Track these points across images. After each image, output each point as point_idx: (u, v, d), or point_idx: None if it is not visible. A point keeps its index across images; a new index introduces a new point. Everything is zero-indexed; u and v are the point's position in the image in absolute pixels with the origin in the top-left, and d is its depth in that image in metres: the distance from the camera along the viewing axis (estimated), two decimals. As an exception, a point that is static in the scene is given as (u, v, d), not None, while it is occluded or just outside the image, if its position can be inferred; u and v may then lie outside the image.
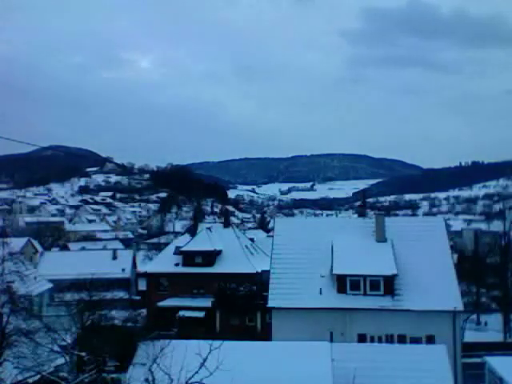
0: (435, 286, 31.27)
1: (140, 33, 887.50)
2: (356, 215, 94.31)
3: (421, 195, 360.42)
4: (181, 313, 49.11)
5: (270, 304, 32.18)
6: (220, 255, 55.15)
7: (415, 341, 29.65)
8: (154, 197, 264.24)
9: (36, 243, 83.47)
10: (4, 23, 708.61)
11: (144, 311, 52.46)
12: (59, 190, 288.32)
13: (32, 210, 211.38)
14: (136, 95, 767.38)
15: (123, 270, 67.71)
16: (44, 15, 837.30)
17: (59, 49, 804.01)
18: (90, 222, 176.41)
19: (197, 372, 18.72)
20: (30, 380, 23.04)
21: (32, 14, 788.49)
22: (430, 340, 29.44)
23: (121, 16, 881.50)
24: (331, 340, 27.56)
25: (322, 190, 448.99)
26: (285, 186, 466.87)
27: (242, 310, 46.92)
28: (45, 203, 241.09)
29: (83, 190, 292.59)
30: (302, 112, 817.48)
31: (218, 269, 53.35)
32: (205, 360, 18.71)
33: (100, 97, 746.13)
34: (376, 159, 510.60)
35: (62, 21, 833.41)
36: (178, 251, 56.15)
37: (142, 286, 62.33)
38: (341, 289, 31.87)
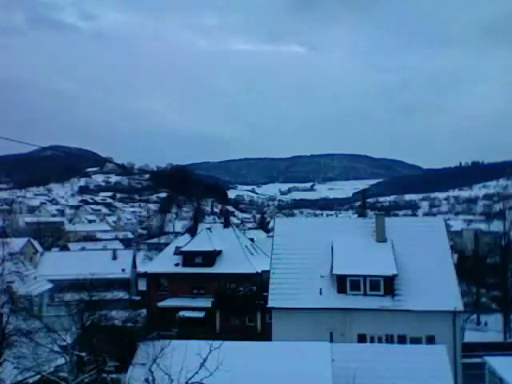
0: (435, 285, 31.26)
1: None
2: (356, 215, 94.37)
3: (421, 195, 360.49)
4: (181, 313, 49.14)
5: (270, 304, 32.18)
6: (220, 255, 55.15)
7: (415, 341, 29.65)
8: (154, 197, 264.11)
9: (36, 243, 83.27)
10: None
11: (144, 311, 52.43)
12: (59, 190, 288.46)
13: (32, 210, 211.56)
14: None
15: (123, 270, 67.71)
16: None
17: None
18: (90, 222, 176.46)
19: (197, 372, 18.71)
20: (30, 380, 23.04)
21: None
22: (430, 340, 29.44)
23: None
24: (331, 340, 27.57)
25: (322, 190, 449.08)
26: (285, 186, 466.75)
27: (241, 310, 46.93)
28: (45, 203, 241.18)
29: (83, 190, 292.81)
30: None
31: (217, 269, 53.36)
32: (205, 360, 18.71)
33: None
34: (376, 159, 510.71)
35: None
36: (178, 251, 56.16)
37: (142, 286, 62.33)
38: (341, 289, 31.86)
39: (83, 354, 22.36)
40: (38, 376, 21.97)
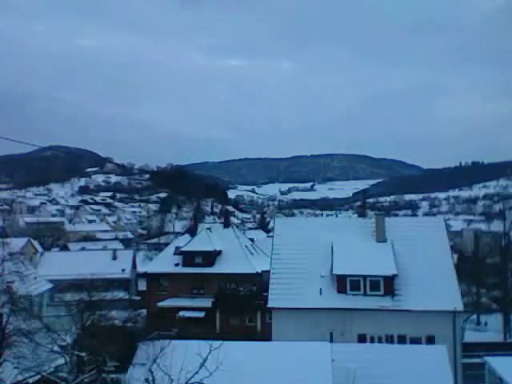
0: (435, 286, 31.23)
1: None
2: (356, 215, 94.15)
3: (421, 195, 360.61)
4: (181, 313, 49.13)
5: (270, 304, 32.16)
6: (220, 255, 55.16)
7: (415, 341, 29.62)
8: (154, 197, 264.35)
9: (36, 243, 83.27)
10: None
11: (144, 311, 52.42)
12: (59, 191, 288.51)
13: (32, 210, 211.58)
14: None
15: (123, 270, 67.77)
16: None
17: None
18: (90, 222, 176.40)
19: (197, 372, 18.74)
20: (30, 380, 23.02)
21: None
22: (430, 340, 29.41)
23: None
24: (331, 340, 27.58)
25: (322, 190, 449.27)
26: (285, 186, 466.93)
27: (241, 310, 46.95)
28: (45, 203, 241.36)
29: (83, 190, 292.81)
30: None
31: (217, 269, 53.37)
32: (205, 360, 18.74)
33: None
34: (376, 159, 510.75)
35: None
36: (178, 251, 56.17)
37: (142, 286, 62.34)
38: (341, 289, 31.85)
39: (83, 354, 22.36)
40: (38, 376, 21.97)
